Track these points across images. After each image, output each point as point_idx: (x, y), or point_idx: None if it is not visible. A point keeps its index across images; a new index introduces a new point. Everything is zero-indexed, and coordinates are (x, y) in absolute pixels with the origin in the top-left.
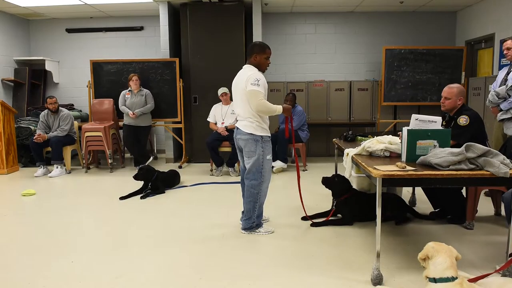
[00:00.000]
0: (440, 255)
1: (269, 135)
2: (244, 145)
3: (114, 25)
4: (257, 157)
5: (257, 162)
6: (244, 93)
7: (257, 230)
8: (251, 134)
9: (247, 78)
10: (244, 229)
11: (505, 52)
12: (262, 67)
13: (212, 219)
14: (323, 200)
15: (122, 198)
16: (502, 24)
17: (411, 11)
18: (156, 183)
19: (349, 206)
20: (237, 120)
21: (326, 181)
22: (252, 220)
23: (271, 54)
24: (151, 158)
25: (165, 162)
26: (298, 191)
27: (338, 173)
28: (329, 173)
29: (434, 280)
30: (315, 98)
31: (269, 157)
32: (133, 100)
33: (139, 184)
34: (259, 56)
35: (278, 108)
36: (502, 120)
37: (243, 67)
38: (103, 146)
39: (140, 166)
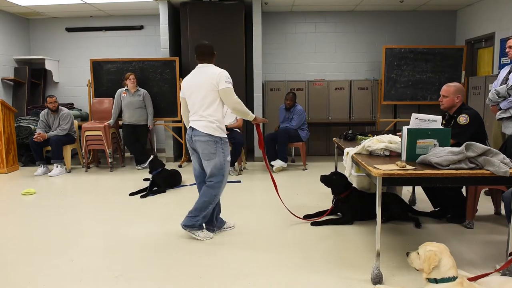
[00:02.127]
0: (444, 257)
1: (226, 136)
2: (203, 147)
3: (114, 24)
4: (218, 159)
5: (218, 164)
6: (214, 88)
7: (196, 233)
8: (210, 135)
9: (218, 75)
10: (186, 225)
11: (507, 50)
12: None
13: None
14: (323, 199)
15: (131, 194)
16: (503, 23)
17: (411, 10)
18: (157, 179)
19: (349, 204)
20: (204, 121)
21: (324, 179)
22: (197, 219)
23: (270, 53)
24: (151, 157)
25: (165, 161)
26: (279, 198)
27: (335, 170)
28: (329, 172)
29: (435, 281)
30: (315, 97)
31: (229, 158)
32: (130, 100)
33: (139, 182)
34: (215, 55)
35: (251, 115)
36: (501, 119)
37: (201, 65)
38: (103, 145)
39: (150, 159)
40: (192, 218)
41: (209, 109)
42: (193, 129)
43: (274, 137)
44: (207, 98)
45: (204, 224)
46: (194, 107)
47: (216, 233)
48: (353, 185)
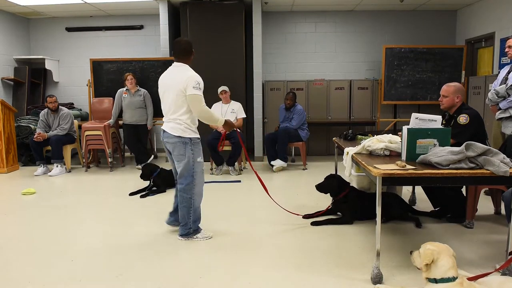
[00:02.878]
0: (443, 257)
1: (198, 136)
2: (173, 149)
3: (114, 24)
4: (187, 160)
5: (187, 165)
6: (181, 94)
7: (194, 237)
8: (179, 136)
9: (188, 79)
10: (181, 235)
11: (506, 50)
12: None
13: (211, 218)
14: (323, 199)
15: (131, 194)
16: (503, 22)
17: (411, 9)
18: (157, 180)
19: (348, 204)
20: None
21: (320, 187)
22: (189, 226)
23: (270, 53)
24: (152, 157)
25: (165, 161)
26: (270, 197)
27: (329, 174)
28: (329, 172)
29: (435, 281)
30: (315, 97)
31: (200, 159)
32: (131, 100)
33: (139, 182)
34: (193, 54)
35: (220, 120)
36: (500, 119)
37: (177, 64)
38: (103, 145)
39: (143, 164)
40: (184, 227)
41: (176, 113)
42: (164, 131)
43: (274, 137)
44: (175, 101)
45: (199, 226)
46: (164, 108)
47: (215, 233)
48: (352, 185)
